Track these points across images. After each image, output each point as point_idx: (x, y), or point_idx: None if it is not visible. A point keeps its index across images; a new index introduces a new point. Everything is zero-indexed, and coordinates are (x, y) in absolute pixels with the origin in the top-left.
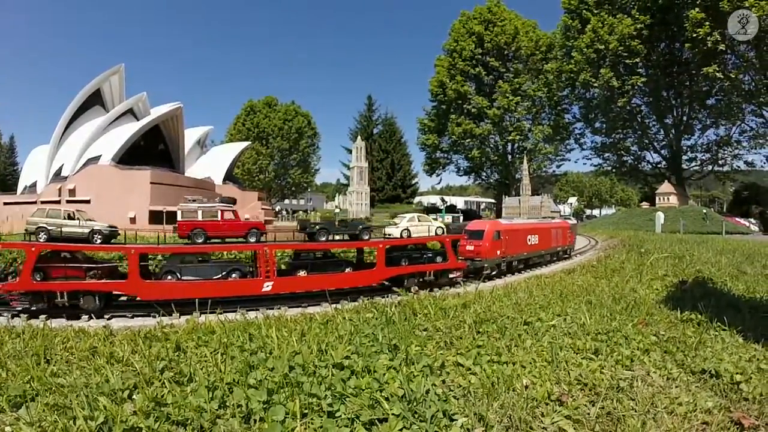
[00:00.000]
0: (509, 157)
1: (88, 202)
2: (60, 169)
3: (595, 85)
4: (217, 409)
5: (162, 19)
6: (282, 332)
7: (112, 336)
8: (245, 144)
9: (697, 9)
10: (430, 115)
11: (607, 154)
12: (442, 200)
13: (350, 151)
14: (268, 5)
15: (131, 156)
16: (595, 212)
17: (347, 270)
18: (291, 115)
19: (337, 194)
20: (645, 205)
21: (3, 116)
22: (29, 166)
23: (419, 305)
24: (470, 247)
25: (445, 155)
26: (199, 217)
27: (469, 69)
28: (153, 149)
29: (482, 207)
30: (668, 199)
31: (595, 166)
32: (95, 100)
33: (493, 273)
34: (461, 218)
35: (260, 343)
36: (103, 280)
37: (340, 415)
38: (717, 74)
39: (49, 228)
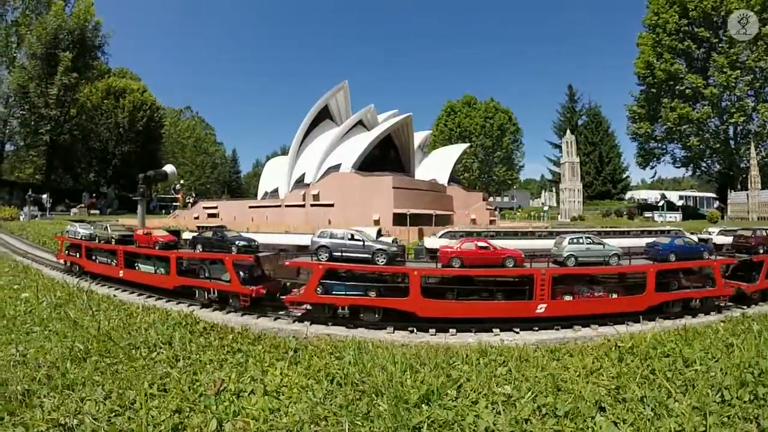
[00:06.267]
0: (732, 143)
1: (332, 205)
2: (302, 176)
3: None
4: None
5: (354, 24)
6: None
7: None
8: (464, 145)
9: None
10: (639, 101)
11: None
12: (663, 196)
13: (555, 146)
14: (452, 6)
15: (367, 163)
16: None
17: None
18: (491, 113)
19: (543, 191)
20: None
21: (225, 132)
22: (267, 174)
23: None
24: None
25: (660, 145)
26: None
27: (676, 44)
28: (385, 155)
29: (716, 205)
30: None
31: None
32: (324, 114)
33: None
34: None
35: None
36: None
37: None
38: None
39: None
